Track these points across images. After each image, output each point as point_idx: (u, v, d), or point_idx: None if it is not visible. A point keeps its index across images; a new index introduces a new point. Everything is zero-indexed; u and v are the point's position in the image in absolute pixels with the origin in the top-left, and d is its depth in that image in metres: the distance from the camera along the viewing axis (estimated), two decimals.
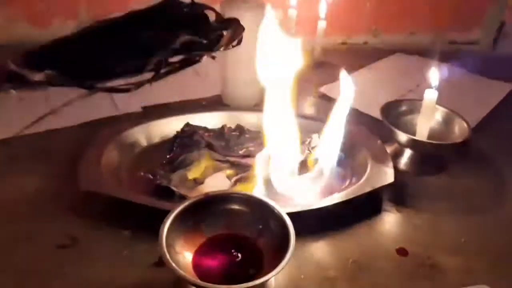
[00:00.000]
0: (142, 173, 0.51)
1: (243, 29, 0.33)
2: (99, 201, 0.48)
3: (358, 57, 0.93)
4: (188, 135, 0.56)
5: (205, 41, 0.31)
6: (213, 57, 0.36)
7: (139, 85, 0.30)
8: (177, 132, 0.58)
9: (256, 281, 0.34)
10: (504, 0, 0.98)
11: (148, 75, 0.39)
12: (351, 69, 0.85)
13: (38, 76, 0.27)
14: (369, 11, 0.96)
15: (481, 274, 0.44)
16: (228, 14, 0.62)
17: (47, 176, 0.54)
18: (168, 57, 0.31)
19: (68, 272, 0.42)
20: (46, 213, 0.49)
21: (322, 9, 0.84)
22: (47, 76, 0.27)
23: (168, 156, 0.54)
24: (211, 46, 0.32)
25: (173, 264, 0.34)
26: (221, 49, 0.33)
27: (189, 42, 0.30)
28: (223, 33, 0.33)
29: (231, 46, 0.34)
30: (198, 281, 0.34)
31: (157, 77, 0.30)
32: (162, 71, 0.31)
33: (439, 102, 0.60)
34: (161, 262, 0.41)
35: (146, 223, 0.43)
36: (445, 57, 0.92)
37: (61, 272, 0.42)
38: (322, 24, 0.84)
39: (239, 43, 0.34)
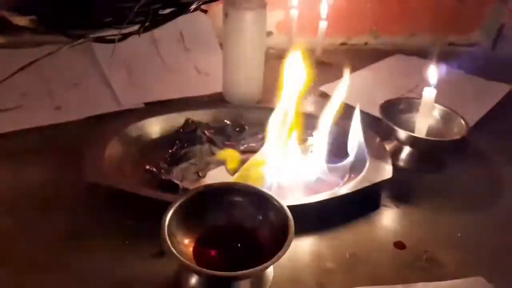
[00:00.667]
0: (146, 167, 0.51)
1: None
2: (102, 193, 0.49)
3: (358, 58, 0.94)
4: (190, 130, 0.57)
5: None
6: (205, 11, 0.31)
7: (125, 36, 0.28)
8: (179, 127, 0.59)
9: (254, 269, 0.35)
10: (503, 3, 0.99)
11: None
12: (351, 69, 0.86)
13: (22, 21, 0.26)
14: (369, 12, 0.97)
15: (477, 268, 0.44)
16: (231, 13, 0.63)
17: (51, 169, 0.54)
18: (154, 5, 0.28)
19: (72, 262, 0.43)
20: (50, 205, 0.49)
21: (323, 10, 0.85)
22: (32, 22, 0.26)
23: (170, 151, 0.55)
24: None
25: (174, 252, 0.35)
26: None
27: None
28: None
29: None
30: (198, 268, 0.35)
31: (144, 28, 0.28)
32: (149, 23, 0.28)
33: (438, 101, 0.61)
34: (163, 252, 0.42)
35: (149, 214, 0.44)
36: (444, 58, 0.93)
37: (65, 263, 0.43)
38: (323, 25, 0.85)
39: None
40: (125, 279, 0.41)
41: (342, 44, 1.00)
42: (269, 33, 0.95)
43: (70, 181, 0.52)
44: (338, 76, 0.83)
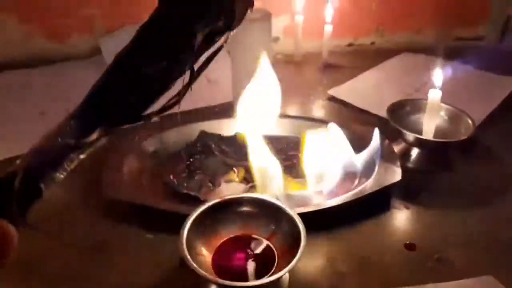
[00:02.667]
0: (164, 180, 0.54)
1: None
2: (122, 207, 0.52)
3: (365, 58, 0.95)
4: (203, 143, 0.59)
5: (221, 23, 0.27)
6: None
7: (171, 104, 0.27)
8: (193, 140, 0.61)
9: (270, 277, 0.36)
10: None
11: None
12: (358, 70, 0.87)
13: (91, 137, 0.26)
14: (374, 12, 0.98)
15: (487, 267, 0.45)
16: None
17: (73, 184, 0.57)
18: (195, 59, 0.27)
19: (95, 274, 0.45)
20: (73, 220, 0.52)
21: (328, 14, 0.86)
22: (100, 135, 0.26)
23: (187, 163, 0.57)
24: (229, 24, 0.27)
25: (195, 265, 0.37)
26: (242, 22, 0.28)
27: (208, 32, 0.27)
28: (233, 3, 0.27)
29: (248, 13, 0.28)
30: (219, 280, 0.37)
31: (191, 83, 0.27)
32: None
33: (446, 99, 0.62)
34: (183, 263, 0.44)
35: (167, 227, 0.46)
36: (451, 54, 0.94)
37: (89, 275, 0.45)
38: (328, 28, 0.86)
39: (252, 4, 0.28)
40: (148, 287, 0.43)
41: (349, 45, 1.01)
42: (276, 39, 0.96)
43: (91, 196, 0.54)
44: (346, 79, 0.85)
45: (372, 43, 1.02)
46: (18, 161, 0.23)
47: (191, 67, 0.26)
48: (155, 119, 0.26)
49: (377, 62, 0.92)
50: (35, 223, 0.25)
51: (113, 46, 0.84)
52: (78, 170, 0.58)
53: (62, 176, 0.24)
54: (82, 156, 0.24)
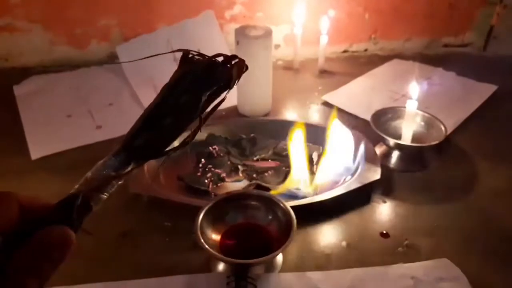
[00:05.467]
0: (177, 177, 0.63)
1: (244, 62, 0.37)
2: (144, 200, 0.61)
3: (359, 64, 1.04)
4: (211, 144, 0.69)
5: (222, 84, 0.36)
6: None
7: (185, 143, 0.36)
8: (203, 141, 0.70)
9: (265, 257, 0.46)
10: (492, 6, 1.07)
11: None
12: (351, 77, 0.96)
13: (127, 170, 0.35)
14: (368, 21, 1.07)
15: (448, 252, 0.55)
16: (241, 41, 0.74)
17: None
18: (202, 111, 0.36)
19: (124, 256, 0.55)
20: (102, 212, 0.61)
21: (324, 26, 0.94)
22: (133, 168, 0.35)
23: (197, 163, 0.66)
24: (227, 85, 0.37)
25: (206, 246, 0.47)
26: (236, 83, 0.37)
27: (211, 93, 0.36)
28: (231, 68, 0.37)
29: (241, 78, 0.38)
30: (225, 258, 0.47)
31: (199, 128, 0.36)
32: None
33: (428, 104, 0.70)
34: (196, 246, 0.54)
35: (182, 217, 0.56)
36: (438, 60, 1.03)
37: (118, 257, 0.55)
38: (324, 39, 0.95)
39: (246, 69, 0.37)
40: (168, 267, 0.52)
41: (344, 51, 1.10)
42: (277, 46, 1.05)
43: (117, 190, 0.63)
44: (340, 84, 0.94)
45: (366, 50, 1.10)
46: (76, 186, 0.32)
47: (199, 116, 0.35)
48: (173, 153, 0.34)
49: (370, 68, 1.00)
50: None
51: (129, 53, 0.93)
52: None
53: (105, 196, 0.33)
54: (120, 182, 0.34)
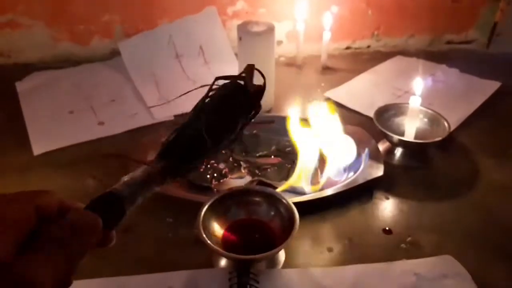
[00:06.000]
0: None
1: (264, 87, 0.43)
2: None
3: (362, 61, 1.04)
4: None
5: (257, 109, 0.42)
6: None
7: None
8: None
9: (267, 253, 0.46)
10: (496, 2, 1.06)
11: None
12: (354, 73, 0.96)
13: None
14: (371, 18, 1.06)
15: (452, 249, 0.54)
16: (244, 37, 0.74)
17: (102, 176, 0.66)
18: (238, 135, 0.41)
19: (125, 252, 0.55)
20: None
21: (327, 22, 0.94)
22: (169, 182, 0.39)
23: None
24: (256, 114, 0.42)
25: (208, 240, 0.47)
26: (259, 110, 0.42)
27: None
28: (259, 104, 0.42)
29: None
30: (227, 253, 0.47)
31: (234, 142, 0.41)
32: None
33: (431, 101, 0.70)
34: (198, 241, 0.54)
35: (185, 212, 0.56)
36: (441, 57, 1.02)
37: (120, 252, 0.55)
38: (327, 35, 0.95)
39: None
40: (170, 263, 0.52)
41: (347, 48, 1.09)
42: (280, 42, 1.05)
43: None
44: (342, 81, 0.94)
45: (368, 47, 1.10)
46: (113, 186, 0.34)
47: (236, 138, 0.40)
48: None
49: (372, 65, 1.00)
50: None
51: (131, 49, 0.93)
52: (106, 164, 0.68)
53: (140, 201, 0.36)
54: (156, 189, 0.37)
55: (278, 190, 0.58)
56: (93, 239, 0.30)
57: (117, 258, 0.54)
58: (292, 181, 0.61)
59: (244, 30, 0.73)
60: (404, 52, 1.06)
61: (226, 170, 0.65)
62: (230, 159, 0.66)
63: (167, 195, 0.58)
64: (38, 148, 0.72)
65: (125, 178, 0.34)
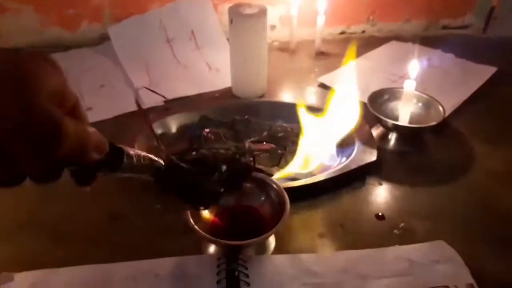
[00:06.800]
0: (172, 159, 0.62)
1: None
2: (135, 182, 0.60)
3: (356, 46, 1.02)
4: (204, 127, 0.67)
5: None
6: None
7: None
8: (196, 123, 0.69)
9: (256, 239, 0.45)
10: None
11: None
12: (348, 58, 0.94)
13: None
14: (366, 2, 1.04)
15: (446, 234, 0.53)
16: (235, 19, 0.72)
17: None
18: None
19: (113, 239, 0.54)
20: (92, 193, 0.60)
21: (321, 7, 0.92)
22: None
23: (189, 144, 0.65)
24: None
25: (196, 227, 0.46)
26: None
27: None
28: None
29: None
30: (214, 239, 0.46)
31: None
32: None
33: (426, 86, 0.68)
34: (187, 228, 0.53)
35: (174, 199, 0.54)
36: (437, 42, 1.01)
37: (108, 239, 0.53)
38: (321, 19, 0.93)
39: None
40: (158, 249, 0.51)
41: (342, 33, 1.07)
42: (273, 27, 1.03)
43: None
44: (337, 66, 0.92)
45: (363, 32, 1.08)
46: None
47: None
48: None
49: (367, 50, 0.98)
50: None
51: (121, 34, 0.91)
52: None
53: (133, 162, 0.37)
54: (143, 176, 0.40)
55: (281, 176, 0.58)
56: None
57: (103, 246, 0.53)
58: (298, 167, 0.60)
59: (235, 12, 0.72)
60: (399, 37, 1.04)
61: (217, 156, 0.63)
62: (220, 145, 0.65)
63: None
64: None
65: (135, 152, 0.37)
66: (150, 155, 0.39)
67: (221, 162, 0.43)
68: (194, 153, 0.44)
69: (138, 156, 0.37)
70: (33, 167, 0.29)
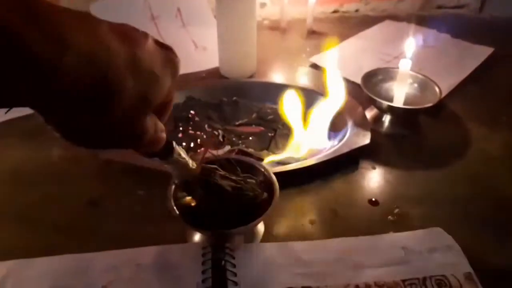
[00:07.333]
0: None
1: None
2: (115, 166, 0.57)
3: (349, 25, 0.98)
4: (190, 108, 0.64)
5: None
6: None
7: None
8: (181, 104, 0.65)
9: (243, 227, 0.42)
10: None
11: None
12: (341, 38, 0.91)
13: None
14: None
15: (442, 220, 0.51)
16: None
17: (69, 146, 0.61)
18: None
19: (92, 225, 0.51)
20: (70, 178, 0.57)
21: None
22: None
23: (177, 128, 0.62)
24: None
25: (178, 212, 0.43)
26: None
27: None
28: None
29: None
30: (200, 227, 0.43)
31: None
32: None
33: (421, 67, 0.66)
34: (170, 215, 0.50)
35: (157, 184, 0.51)
36: (432, 22, 0.97)
37: (86, 227, 0.51)
38: None
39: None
40: (140, 238, 0.48)
41: (334, 11, 1.04)
42: (263, 5, 0.99)
43: (87, 156, 0.59)
44: (329, 46, 0.89)
45: (357, 11, 1.04)
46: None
47: None
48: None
49: (361, 30, 0.95)
50: None
51: (103, 11, 0.86)
52: None
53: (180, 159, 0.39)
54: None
55: (275, 160, 0.55)
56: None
57: (82, 234, 0.50)
58: (290, 151, 0.57)
59: None
60: (393, 17, 1.01)
61: (203, 139, 0.60)
62: (207, 127, 0.62)
63: (138, 166, 0.54)
64: (0, 115, 0.66)
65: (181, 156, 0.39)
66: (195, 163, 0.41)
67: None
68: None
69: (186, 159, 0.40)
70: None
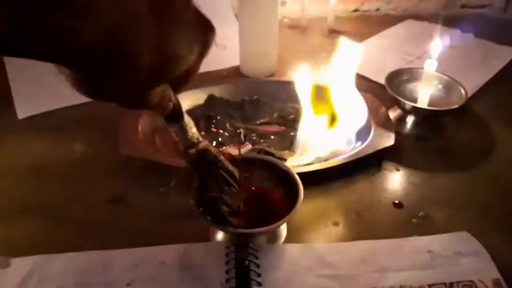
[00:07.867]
0: (173, 140, 0.58)
1: None
2: (137, 163, 0.57)
3: (370, 24, 0.97)
4: (212, 106, 0.64)
5: None
6: None
7: None
8: (203, 102, 0.65)
9: (267, 227, 0.42)
10: None
11: None
12: (362, 37, 0.90)
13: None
14: None
15: (467, 224, 0.50)
16: None
17: (90, 142, 0.62)
18: None
19: (115, 223, 0.51)
20: (91, 174, 0.57)
21: None
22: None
23: (198, 127, 0.61)
24: None
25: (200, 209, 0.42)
26: None
27: None
28: None
29: None
30: (224, 226, 0.42)
31: None
32: None
33: (445, 67, 0.65)
34: (193, 213, 0.50)
35: (179, 182, 0.51)
36: (455, 22, 0.96)
37: (108, 224, 0.51)
38: None
39: None
40: (162, 235, 0.48)
41: (355, 10, 1.03)
42: (283, 3, 0.98)
43: (109, 152, 0.59)
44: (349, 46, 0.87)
45: (378, 10, 1.03)
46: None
47: None
48: None
49: (382, 29, 0.94)
50: None
51: None
52: (97, 128, 0.63)
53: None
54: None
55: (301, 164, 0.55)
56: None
57: (104, 231, 0.50)
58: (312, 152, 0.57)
59: None
60: (415, 16, 1.00)
61: (224, 137, 0.60)
62: (228, 125, 0.61)
63: (160, 163, 0.54)
64: (22, 111, 0.67)
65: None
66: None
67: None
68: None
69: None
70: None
